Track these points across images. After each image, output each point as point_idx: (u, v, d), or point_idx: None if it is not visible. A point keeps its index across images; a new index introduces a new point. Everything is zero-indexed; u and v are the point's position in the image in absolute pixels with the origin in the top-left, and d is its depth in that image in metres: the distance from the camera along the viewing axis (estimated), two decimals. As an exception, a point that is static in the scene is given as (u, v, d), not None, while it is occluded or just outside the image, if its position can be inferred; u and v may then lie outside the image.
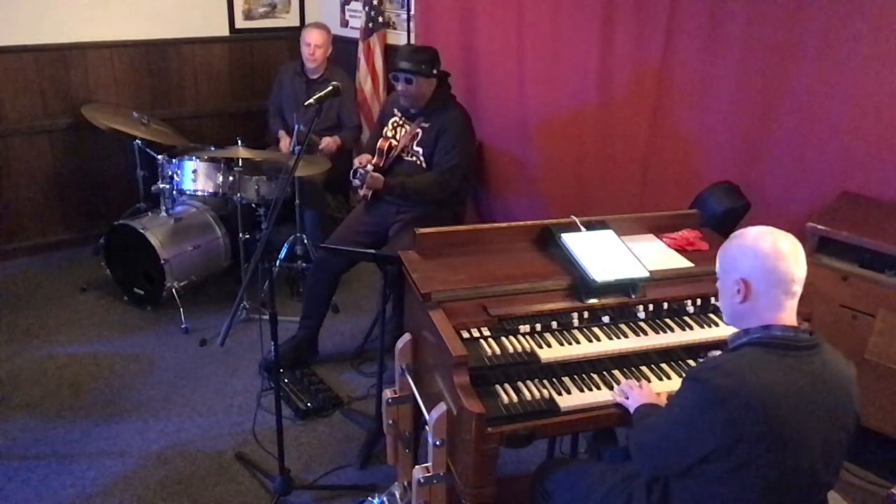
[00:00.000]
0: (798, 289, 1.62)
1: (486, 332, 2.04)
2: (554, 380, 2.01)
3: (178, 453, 2.86)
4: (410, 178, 3.23)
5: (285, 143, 4.26)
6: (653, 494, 1.71)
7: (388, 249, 3.10)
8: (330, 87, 2.54)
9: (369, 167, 3.19)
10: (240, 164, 3.65)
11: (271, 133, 4.46)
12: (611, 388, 2.01)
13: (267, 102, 4.61)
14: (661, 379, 2.06)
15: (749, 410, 1.49)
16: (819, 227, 2.62)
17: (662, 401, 1.92)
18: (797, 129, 2.94)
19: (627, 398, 1.94)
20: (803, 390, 1.53)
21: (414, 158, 3.29)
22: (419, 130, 3.27)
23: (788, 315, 1.62)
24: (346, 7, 5.01)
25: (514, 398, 1.91)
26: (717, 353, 1.97)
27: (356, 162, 3.29)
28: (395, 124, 3.37)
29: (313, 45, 4.21)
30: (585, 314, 2.15)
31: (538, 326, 2.09)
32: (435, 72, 3.18)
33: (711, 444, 1.53)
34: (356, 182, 3.20)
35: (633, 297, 2.20)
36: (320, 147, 4.11)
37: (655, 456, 1.70)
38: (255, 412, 3.04)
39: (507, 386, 1.96)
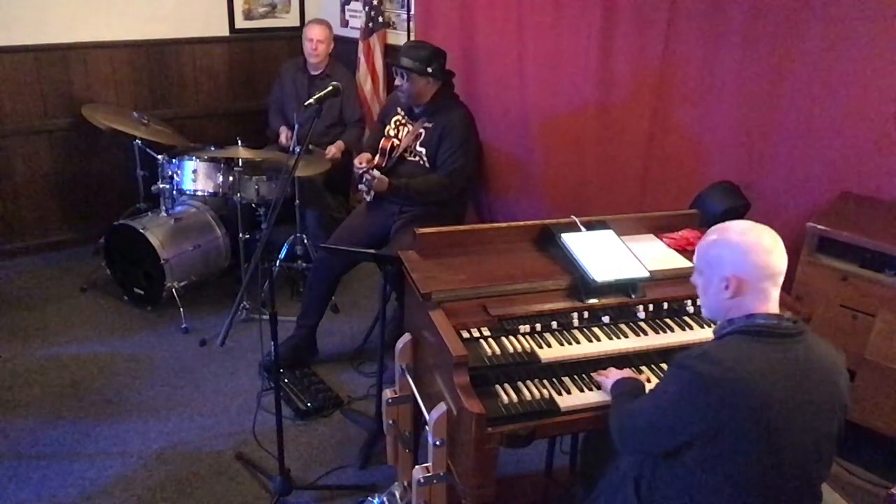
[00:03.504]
0: (782, 279, 1.66)
1: (486, 332, 2.04)
2: (554, 380, 2.01)
3: (178, 453, 2.86)
4: (415, 179, 3.23)
5: (285, 135, 4.26)
6: (641, 489, 1.73)
7: (388, 249, 3.10)
8: (330, 87, 2.54)
9: (376, 172, 3.17)
10: (240, 164, 3.64)
11: (271, 129, 4.46)
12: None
13: (266, 101, 4.61)
14: (661, 379, 2.06)
15: (733, 397, 1.51)
16: (819, 227, 2.63)
17: (641, 376, 1.96)
18: (797, 129, 2.93)
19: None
20: (788, 376, 1.55)
21: (417, 158, 3.29)
22: (422, 130, 3.26)
23: (773, 305, 1.65)
24: (346, 7, 5.01)
25: (514, 398, 1.91)
26: None
27: (356, 162, 3.28)
28: (398, 123, 3.36)
29: (315, 41, 4.22)
30: (585, 314, 2.15)
31: (538, 326, 2.09)
32: (430, 70, 3.16)
33: (695, 430, 1.56)
34: (364, 188, 3.19)
35: (633, 297, 2.20)
36: (327, 157, 4.10)
37: (638, 439, 1.73)
38: (255, 412, 3.04)
39: (507, 386, 1.96)
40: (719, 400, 1.52)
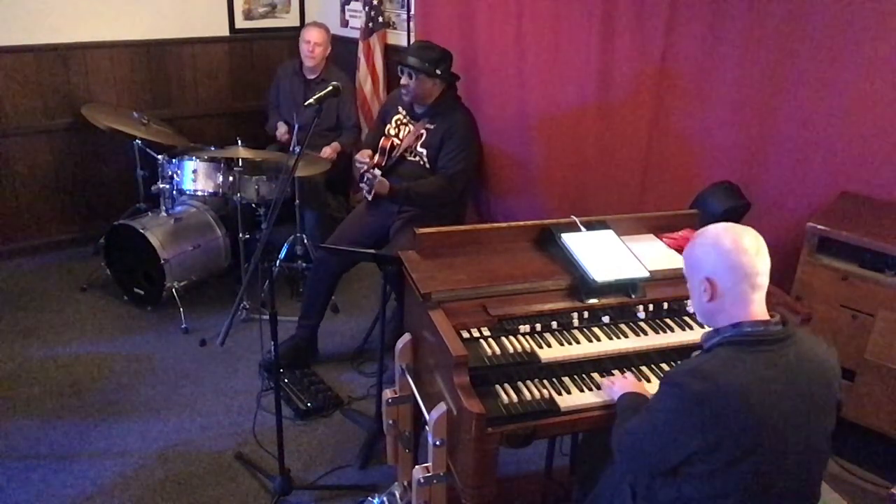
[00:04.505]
0: (764, 281, 1.62)
1: (486, 332, 2.05)
2: (554, 380, 2.01)
3: (178, 453, 2.86)
4: (416, 182, 3.22)
5: (283, 129, 4.26)
6: (637, 495, 1.73)
7: (388, 249, 3.10)
8: (330, 87, 2.53)
9: (377, 171, 3.17)
10: (240, 164, 3.65)
11: (270, 124, 4.46)
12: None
13: (265, 101, 4.61)
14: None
15: (726, 411, 1.50)
16: (819, 227, 2.63)
17: (646, 389, 1.94)
18: (797, 129, 2.93)
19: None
20: (779, 384, 1.54)
21: (417, 159, 3.29)
22: (424, 131, 3.26)
23: (758, 309, 1.62)
24: (346, 7, 5.01)
25: (514, 398, 1.91)
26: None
27: (357, 157, 3.28)
28: (399, 122, 3.36)
29: (313, 43, 4.21)
30: (585, 314, 2.15)
31: (538, 326, 2.09)
32: (439, 72, 3.17)
33: (692, 447, 1.55)
34: (365, 187, 3.19)
35: (633, 297, 2.20)
36: (323, 158, 4.10)
37: (637, 458, 1.71)
38: (255, 412, 3.04)
39: (507, 386, 1.96)
40: (713, 416, 1.51)
